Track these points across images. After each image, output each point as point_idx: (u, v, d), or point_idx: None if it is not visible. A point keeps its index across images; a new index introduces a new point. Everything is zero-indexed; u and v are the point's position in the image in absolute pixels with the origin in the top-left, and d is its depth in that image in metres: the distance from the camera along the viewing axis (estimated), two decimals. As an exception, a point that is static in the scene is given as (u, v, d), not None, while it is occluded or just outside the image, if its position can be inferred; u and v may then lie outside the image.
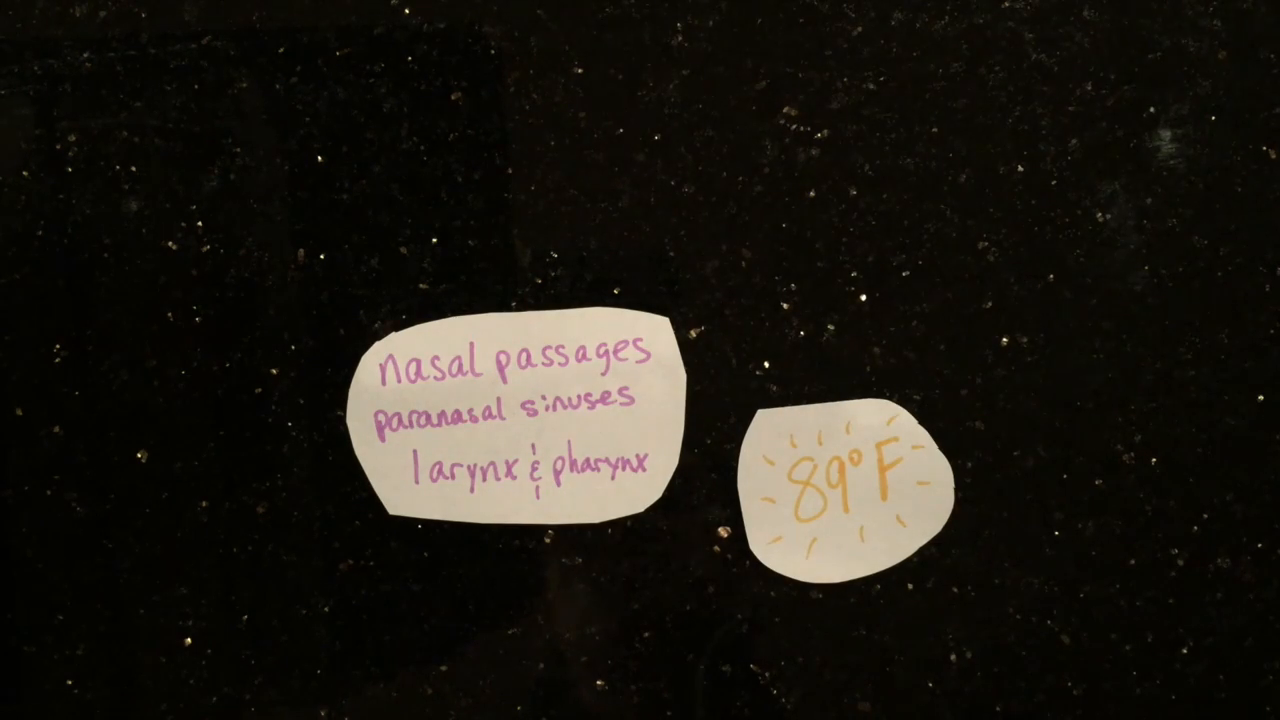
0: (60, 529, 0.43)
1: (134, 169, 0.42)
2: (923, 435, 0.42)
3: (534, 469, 0.42)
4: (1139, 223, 0.42)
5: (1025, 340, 0.43)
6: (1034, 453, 0.43)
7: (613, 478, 0.42)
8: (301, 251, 0.43)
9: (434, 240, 0.42)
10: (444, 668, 0.44)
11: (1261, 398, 0.43)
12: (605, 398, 0.42)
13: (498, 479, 0.42)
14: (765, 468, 0.42)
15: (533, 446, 0.42)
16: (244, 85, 0.42)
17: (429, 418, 0.42)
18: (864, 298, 0.43)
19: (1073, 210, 0.42)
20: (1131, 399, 0.43)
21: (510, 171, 0.43)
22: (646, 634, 0.43)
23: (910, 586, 0.43)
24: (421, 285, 0.43)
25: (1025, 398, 0.43)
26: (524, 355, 0.42)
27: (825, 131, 0.42)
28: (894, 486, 0.42)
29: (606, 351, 0.42)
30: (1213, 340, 0.43)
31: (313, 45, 0.42)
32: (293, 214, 0.43)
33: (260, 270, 0.43)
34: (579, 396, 0.42)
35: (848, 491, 0.42)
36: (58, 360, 0.43)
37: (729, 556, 0.43)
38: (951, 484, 0.42)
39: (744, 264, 0.42)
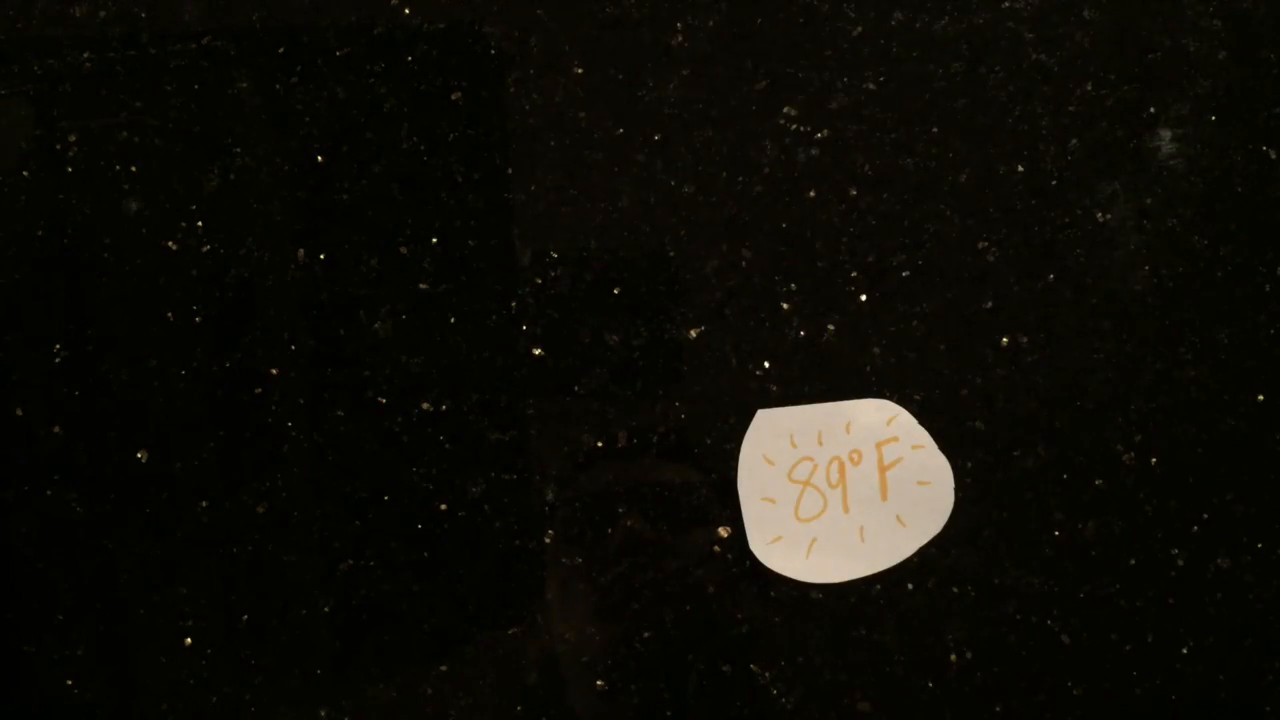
0: (60, 529, 0.43)
1: (134, 169, 0.42)
2: (922, 435, 0.42)
3: None
4: (1139, 223, 0.42)
5: (1025, 340, 0.43)
6: (1034, 453, 0.43)
7: None
8: (301, 251, 0.43)
9: (434, 240, 0.42)
10: (444, 668, 0.44)
11: (1261, 398, 0.43)
12: None
13: None
14: (765, 468, 0.42)
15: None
16: (244, 85, 0.42)
17: None
18: (864, 298, 0.43)
19: (1073, 210, 0.42)
20: (1131, 399, 0.43)
21: (510, 171, 0.42)
22: (646, 634, 0.43)
23: (910, 586, 0.43)
24: (421, 285, 0.43)
25: (1025, 398, 0.43)
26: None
27: (825, 131, 0.42)
28: (894, 486, 0.42)
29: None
30: (1213, 340, 0.43)
31: (313, 45, 0.42)
32: (293, 214, 0.43)
33: (260, 270, 0.43)
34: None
35: (848, 491, 0.42)
36: (58, 360, 0.43)
37: (729, 556, 0.43)
38: (951, 484, 0.42)
39: (744, 264, 0.42)
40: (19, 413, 0.43)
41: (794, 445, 0.42)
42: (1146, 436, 0.43)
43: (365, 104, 0.42)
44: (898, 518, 0.42)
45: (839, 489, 0.42)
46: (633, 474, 0.43)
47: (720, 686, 0.44)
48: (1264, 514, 0.43)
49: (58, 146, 0.42)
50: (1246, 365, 0.43)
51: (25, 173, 0.42)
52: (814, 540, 0.43)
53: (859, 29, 0.42)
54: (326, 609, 0.43)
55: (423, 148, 0.42)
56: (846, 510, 0.42)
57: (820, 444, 0.42)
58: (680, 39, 0.42)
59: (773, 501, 0.42)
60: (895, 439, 0.42)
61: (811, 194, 0.42)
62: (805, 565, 0.43)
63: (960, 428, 0.43)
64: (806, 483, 0.42)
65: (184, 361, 0.43)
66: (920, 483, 0.42)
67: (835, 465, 0.42)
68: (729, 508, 0.43)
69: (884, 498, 0.42)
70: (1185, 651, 0.43)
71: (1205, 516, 0.43)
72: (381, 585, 0.43)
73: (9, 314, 0.43)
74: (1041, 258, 0.42)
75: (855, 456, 0.42)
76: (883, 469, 0.42)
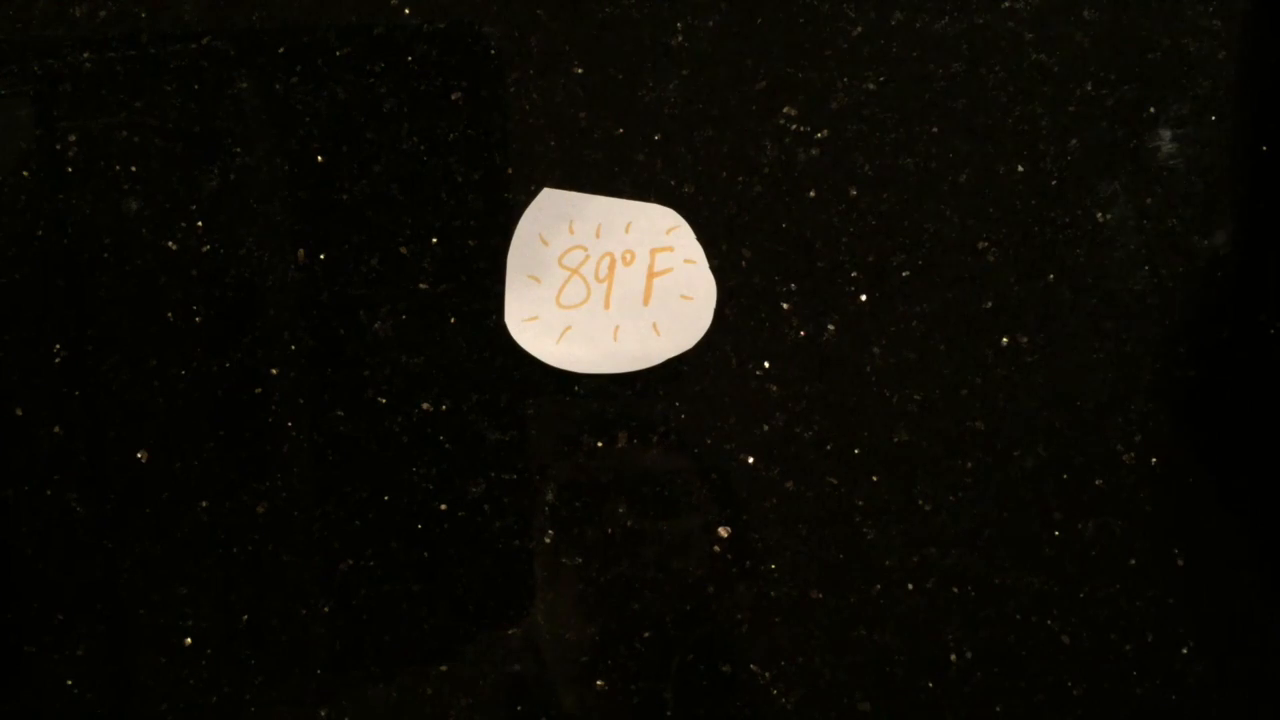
0: (60, 529, 0.43)
1: (134, 169, 0.42)
2: (697, 251, 0.42)
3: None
4: (1139, 223, 0.42)
5: (1025, 340, 0.43)
6: (1034, 453, 0.43)
7: None
8: (301, 251, 0.43)
9: (434, 240, 0.42)
10: (444, 668, 0.44)
11: (1261, 397, 0.43)
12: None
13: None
14: (539, 246, 0.42)
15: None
16: (244, 85, 0.42)
17: None
18: (864, 298, 0.43)
19: (1073, 210, 0.42)
20: (1131, 399, 0.43)
21: (510, 171, 0.42)
22: (646, 634, 0.43)
23: (910, 586, 0.43)
24: (421, 285, 0.43)
25: (1025, 398, 0.43)
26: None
27: (825, 131, 0.42)
28: (658, 294, 0.42)
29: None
30: (1213, 340, 0.43)
31: (313, 45, 0.42)
32: (293, 214, 0.43)
33: (260, 270, 0.43)
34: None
35: (613, 288, 0.42)
36: (58, 360, 0.43)
37: (729, 556, 0.43)
38: (713, 305, 0.42)
39: (744, 264, 0.42)
40: (19, 413, 0.43)
41: (572, 232, 0.42)
42: (1146, 436, 0.43)
43: (365, 104, 0.42)
44: (654, 325, 0.42)
45: (605, 284, 0.42)
46: (632, 473, 0.43)
47: (721, 686, 0.44)
48: (1264, 514, 0.43)
49: (58, 146, 0.42)
50: (1246, 365, 0.43)
51: (25, 173, 0.42)
52: (568, 328, 0.42)
53: (859, 29, 0.42)
54: (326, 609, 0.43)
55: (423, 148, 0.42)
56: (607, 307, 0.42)
57: (597, 236, 0.42)
58: (680, 39, 0.42)
59: (538, 281, 0.42)
60: (670, 249, 0.42)
61: (811, 194, 0.42)
62: (554, 350, 0.42)
63: (960, 428, 0.43)
64: (575, 271, 0.42)
65: (184, 361, 0.43)
66: (684, 296, 0.42)
67: (606, 260, 0.42)
68: (729, 507, 0.43)
69: (646, 303, 0.42)
70: (1185, 651, 0.43)
71: (1205, 516, 0.43)
72: (381, 585, 0.43)
73: (9, 314, 0.43)
74: (1041, 258, 0.42)
75: (628, 256, 0.42)
76: (651, 275, 0.42)
